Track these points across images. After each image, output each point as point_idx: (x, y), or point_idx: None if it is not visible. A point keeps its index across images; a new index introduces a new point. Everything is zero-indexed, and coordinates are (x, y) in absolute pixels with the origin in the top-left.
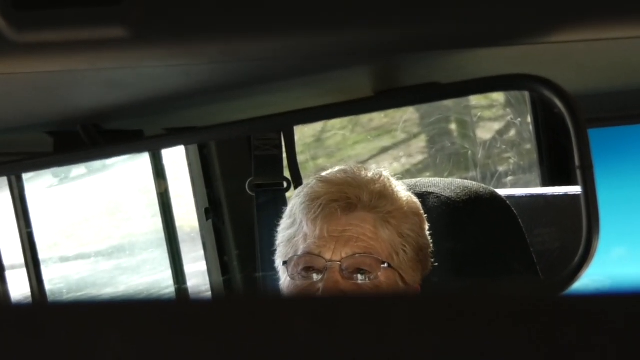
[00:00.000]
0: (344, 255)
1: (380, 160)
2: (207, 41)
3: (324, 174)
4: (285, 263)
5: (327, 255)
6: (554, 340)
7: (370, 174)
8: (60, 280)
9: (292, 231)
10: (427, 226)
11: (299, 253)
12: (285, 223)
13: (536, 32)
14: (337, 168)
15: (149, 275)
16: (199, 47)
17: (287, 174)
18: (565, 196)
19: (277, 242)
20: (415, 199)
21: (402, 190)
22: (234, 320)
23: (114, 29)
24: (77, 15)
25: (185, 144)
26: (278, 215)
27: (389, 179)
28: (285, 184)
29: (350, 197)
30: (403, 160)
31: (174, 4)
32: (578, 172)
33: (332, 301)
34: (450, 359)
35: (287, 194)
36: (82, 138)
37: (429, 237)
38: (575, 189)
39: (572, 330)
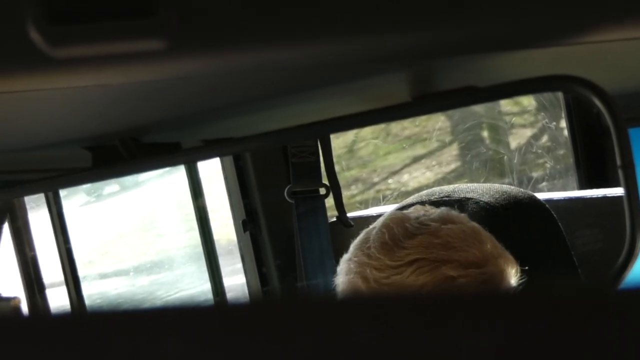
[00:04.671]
0: None
1: (413, 170)
2: (243, 51)
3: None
4: None
5: None
6: (611, 338)
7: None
8: (98, 296)
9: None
10: None
11: None
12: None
13: (572, 32)
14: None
15: (187, 290)
16: (235, 57)
17: (324, 180)
18: (605, 198)
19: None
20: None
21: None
22: (294, 322)
23: (150, 41)
24: (112, 29)
25: (223, 155)
26: (317, 222)
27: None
28: (323, 191)
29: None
30: (436, 168)
31: (209, 14)
32: (619, 172)
33: (387, 301)
34: (509, 358)
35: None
36: (121, 152)
37: None
38: (614, 191)
39: (628, 326)
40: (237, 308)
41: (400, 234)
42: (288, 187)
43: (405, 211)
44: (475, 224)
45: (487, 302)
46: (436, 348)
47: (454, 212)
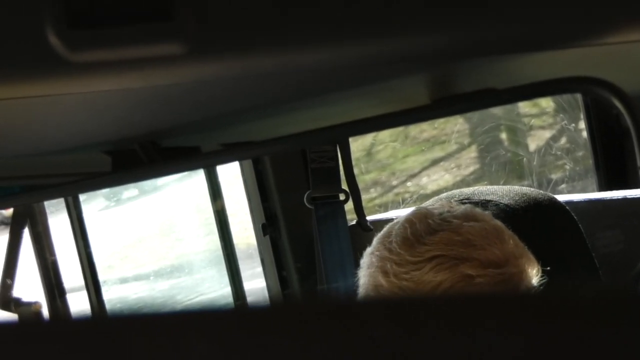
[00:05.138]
0: None
1: (432, 173)
2: (262, 54)
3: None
4: None
5: None
6: (632, 340)
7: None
8: (118, 300)
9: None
10: None
11: None
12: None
13: (592, 33)
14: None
15: (207, 294)
16: (254, 60)
17: (344, 186)
18: (625, 199)
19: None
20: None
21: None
22: (314, 325)
23: (169, 45)
24: (131, 33)
25: (242, 159)
26: (337, 225)
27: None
28: (342, 196)
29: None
30: (455, 171)
31: (228, 17)
32: None
33: (407, 303)
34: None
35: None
36: (140, 156)
37: None
38: (635, 192)
39: None
40: (257, 311)
41: (422, 229)
42: (307, 192)
43: (429, 207)
44: (498, 223)
45: (508, 303)
46: (457, 349)
47: (478, 210)
